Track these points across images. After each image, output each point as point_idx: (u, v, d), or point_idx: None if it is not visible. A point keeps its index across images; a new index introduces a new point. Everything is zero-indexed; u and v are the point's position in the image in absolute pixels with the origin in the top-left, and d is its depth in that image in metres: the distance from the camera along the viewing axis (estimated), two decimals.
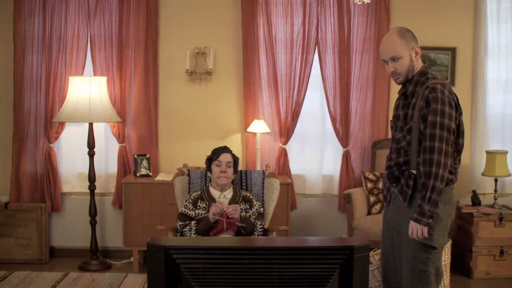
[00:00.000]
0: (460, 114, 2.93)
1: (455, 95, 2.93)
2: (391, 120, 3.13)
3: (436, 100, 2.82)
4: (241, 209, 3.88)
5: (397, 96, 3.14)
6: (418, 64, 2.98)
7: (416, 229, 2.84)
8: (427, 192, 2.80)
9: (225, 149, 4.02)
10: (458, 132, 2.92)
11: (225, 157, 3.96)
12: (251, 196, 4.02)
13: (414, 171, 2.89)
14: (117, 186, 5.27)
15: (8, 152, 5.29)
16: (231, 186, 4.04)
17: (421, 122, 2.88)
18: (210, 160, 4.01)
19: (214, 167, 3.97)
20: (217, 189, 3.99)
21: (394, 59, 2.93)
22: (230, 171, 3.98)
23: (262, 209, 4.04)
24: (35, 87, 5.19)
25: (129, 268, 5.07)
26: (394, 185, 3.02)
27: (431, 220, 2.82)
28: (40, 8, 5.14)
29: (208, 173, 4.05)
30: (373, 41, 5.19)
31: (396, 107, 3.09)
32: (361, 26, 5.22)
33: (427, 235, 2.84)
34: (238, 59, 5.29)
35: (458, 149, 2.95)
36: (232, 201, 3.94)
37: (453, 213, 3.05)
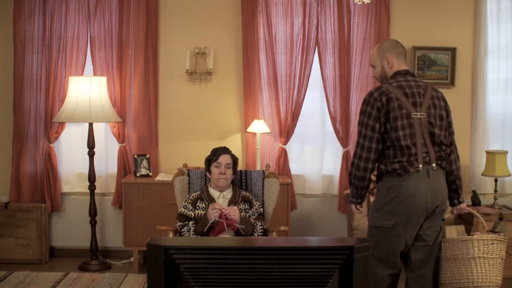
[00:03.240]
0: (388, 112, 3.12)
1: (389, 96, 3.13)
2: None
3: (363, 102, 3.23)
4: (240, 209, 3.86)
5: None
6: (392, 71, 3.32)
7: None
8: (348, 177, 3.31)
9: (224, 150, 3.98)
10: (391, 127, 3.11)
11: (224, 159, 3.93)
12: (250, 196, 4.00)
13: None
14: (117, 186, 5.27)
15: (8, 152, 5.29)
16: (231, 186, 4.02)
17: None
18: (209, 161, 3.98)
19: (213, 169, 3.94)
20: (216, 189, 3.97)
21: (371, 66, 3.42)
22: (229, 172, 3.95)
23: (261, 209, 4.03)
24: (35, 87, 5.20)
25: (129, 268, 5.07)
26: None
27: (354, 199, 3.29)
28: (40, 9, 5.14)
29: (207, 174, 4.04)
30: (373, 41, 5.19)
31: None
32: (361, 26, 5.22)
33: (357, 211, 3.35)
34: (238, 59, 5.29)
35: (395, 144, 3.11)
36: (232, 201, 3.92)
37: (404, 202, 3.10)
